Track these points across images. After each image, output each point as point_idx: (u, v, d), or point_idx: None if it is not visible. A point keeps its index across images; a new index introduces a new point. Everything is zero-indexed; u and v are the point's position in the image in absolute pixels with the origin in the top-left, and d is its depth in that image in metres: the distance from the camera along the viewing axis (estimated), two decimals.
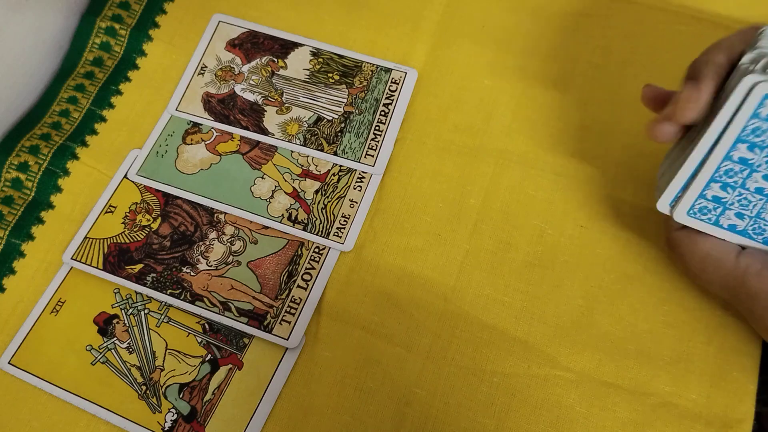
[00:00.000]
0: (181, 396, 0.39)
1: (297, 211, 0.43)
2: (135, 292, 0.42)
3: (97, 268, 0.42)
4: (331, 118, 0.46)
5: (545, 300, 0.40)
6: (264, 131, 0.46)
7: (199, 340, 0.40)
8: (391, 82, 0.47)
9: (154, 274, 0.42)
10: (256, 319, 0.40)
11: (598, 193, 0.42)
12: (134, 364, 0.40)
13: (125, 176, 0.45)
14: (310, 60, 0.48)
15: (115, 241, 0.43)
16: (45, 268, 0.43)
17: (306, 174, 0.45)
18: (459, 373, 0.38)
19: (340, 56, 0.48)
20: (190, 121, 0.47)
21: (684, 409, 0.36)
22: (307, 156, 0.45)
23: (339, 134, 0.45)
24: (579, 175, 0.43)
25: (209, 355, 0.40)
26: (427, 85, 0.47)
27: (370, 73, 0.47)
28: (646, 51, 0.46)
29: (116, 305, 0.42)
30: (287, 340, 0.39)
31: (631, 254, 0.40)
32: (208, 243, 0.43)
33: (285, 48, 0.49)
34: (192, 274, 0.42)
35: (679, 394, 0.37)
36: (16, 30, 0.45)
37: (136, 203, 0.44)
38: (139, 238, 0.43)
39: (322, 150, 0.45)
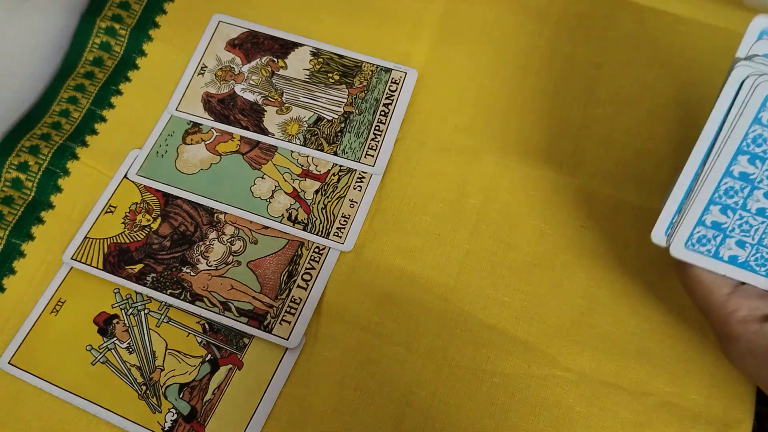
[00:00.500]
0: (181, 396, 0.39)
1: (297, 211, 0.43)
2: (135, 292, 0.42)
3: (97, 268, 0.42)
4: (331, 118, 0.46)
5: (545, 300, 0.40)
6: (264, 131, 0.46)
7: (199, 340, 0.40)
8: (391, 82, 0.47)
9: (154, 274, 0.42)
10: (256, 319, 0.40)
11: (598, 193, 0.42)
12: (134, 364, 0.40)
13: (125, 176, 0.45)
14: (310, 60, 0.48)
15: (115, 241, 0.43)
16: (45, 268, 0.43)
17: (306, 174, 0.45)
18: (459, 373, 0.38)
19: (340, 56, 0.48)
20: (190, 121, 0.47)
21: (684, 409, 0.36)
22: (307, 156, 0.45)
23: (339, 134, 0.45)
24: (579, 175, 0.43)
25: (209, 355, 0.40)
26: (427, 85, 0.47)
27: (370, 73, 0.47)
28: (646, 51, 0.46)
29: (116, 305, 0.42)
30: (287, 340, 0.39)
31: (631, 254, 0.40)
32: (208, 243, 0.43)
33: (285, 48, 0.49)
34: (192, 274, 0.42)
35: (679, 394, 0.37)
36: (16, 30, 0.45)
37: (136, 203, 0.44)
38: (139, 238, 0.43)
39: (322, 150, 0.45)
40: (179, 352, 0.40)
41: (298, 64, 0.48)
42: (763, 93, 0.28)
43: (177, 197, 0.44)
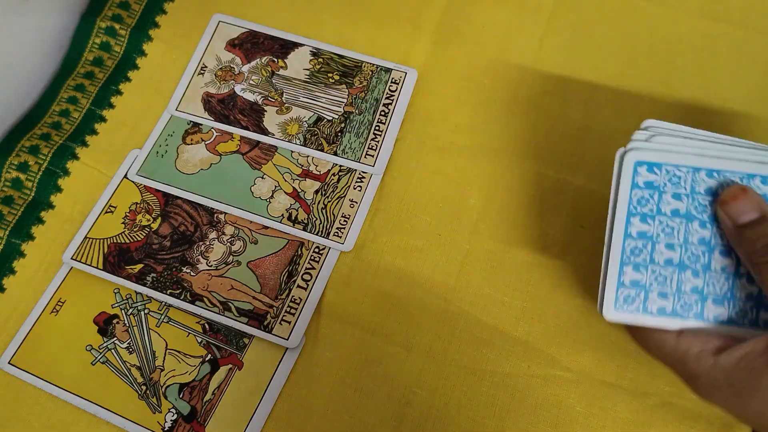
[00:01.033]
0: (181, 396, 0.39)
1: (297, 211, 0.43)
2: (135, 292, 0.42)
3: (97, 268, 0.42)
4: (331, 118, 0.46)
5: (545, 300, 0.40)
6: (264, 131, 0.46)
7: (199, 340, 0.40)
8: (391, 82, 0.47)
9: (154, 274, 0.42)
10: (256, 319, 0.40)
11: (598, 193, 0.42)
12: (134, 364, 0.40)
13: (125, 176, 0.45)
14: (310, 60, 0.48)
15: (115, 241, 0.43)
16: (45, 268, 0.43)
17: (306, 174, 0.45)
18: (459, 373, 0.38)
19: (340, 56, 0.48)
20: (190, 121, 0.47)
21: (684, 409, 0.36)
22: (307, 156, 0.45)
23: (339, 134, 0.45)
24: (579, 174, 0.43)
25: (209, 355, 0.40)
26: (427, 85, 0.47)
27: (370, 73, 0.47)
28: (646, 51, 0.46)
29: (116, 305, 0.42)
30: (287, 340, 0.39)
31: None
32: (208, 243, 0.43)
33: (285, 48, 0.49)
34: (192, 274, 0.42)
35: (679, 394, 0.37)
36: (16, 30, 0.45)
37: (136, 203, 0.44)
38: (139, 238, 0.43)
39: (322, 150, 0.45)
40: (179, 352, 0.40)
41: (298, 64, 0.48)
42: (632, 160, 0.33)
43: (177, 197, 0.44)
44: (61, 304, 0.42)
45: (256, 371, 0.39)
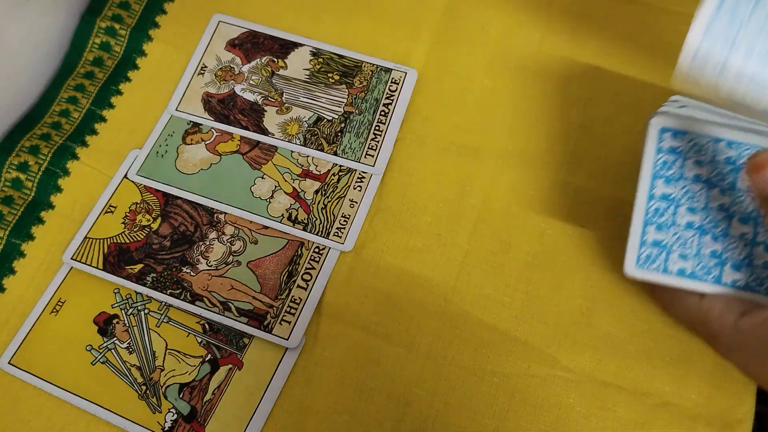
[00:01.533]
0: (181, 396, 0.39)
1: (297, 211, 0.43)
2: (135, 292, 0.42)
3: (97, 268, 0.42)
4: (331, 118, 0.46)
5: (545, 300, 0.40)
6: (264, 131, 0.46)
7: (199, 340, 0.40)
8: (391, 82, 0.47)
9: (154, 274, 0.42)
10: (256, 319, 0.40)
11: (598, 193, 0.42)
12: (134, 364, 0.40)
13: (125, 176, 0.45)
14: (310, 60, 0.48)
15: (115, 241, 0.43)
16: (45, 268, 0.43)
17: (306, 174, 0.45)
18: (459, 373, 0.38)
19: (340, 56, 0.48)
20: (190, 121, 0.47)
21: (684, 409, 0.36)
22: (307, 156, 0.45)
23: (339, 134, 0.45)
24: (579, 175, 0.43)
25: (209, 355, 0.40)
26: (427, 85, 0.47)
27: (370, 73, 0.47)
28: (646, 51, 0.46)
29: (116, 305, 0.42)
30: (287, 340, 0.39)
31: None
32: (208, 243, 0.43)
33: (285, 48, 0.49)
34: (192, 274, 0.42)
35: (679, 394, 0.37)
36: (16, 30, 0.45)
37: (136, 203, 0.44)
38: (139, 238, 0.43)
39: (322, 150, 0.45)
40: (179, 352, 0.40)
41: (298, 64, 0.48)
42: (657, 126, 0.35)
43: (177, 197, 0.44)
44: (61, 304, 0.42)
45: (256, 371, 0.39)
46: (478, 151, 0.44)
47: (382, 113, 0.46)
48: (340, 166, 0.45)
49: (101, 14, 0.49)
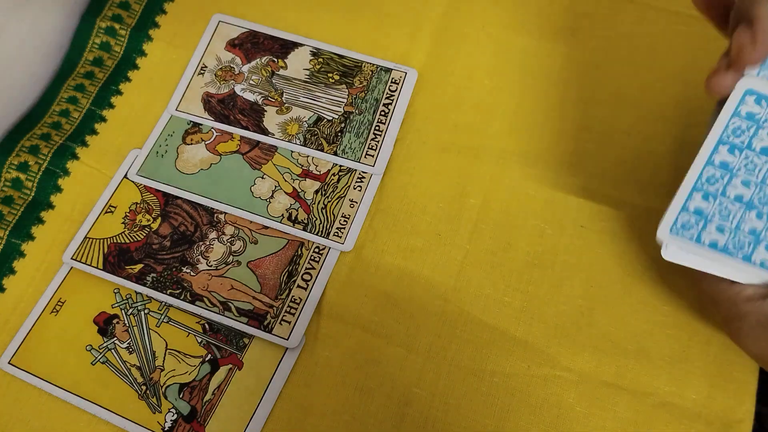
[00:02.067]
0: (181, 396, 0.39)
1: (297, 211, 0.43)
2: (135, 292, 0.42)
3: (97, 268, 0.42)
4: (331, 118, 0.46)
5: (545, 300, 0.40)
6: (264, 131, 0.46)
7: (199, 340, 0.40)
8: (391, 82, 0.47)
9: (154, 274, 0.42)
10: (256, 319, 0.40)
11: (598, 193, 0.42)
12: (134, 364, 0.40)
13: (125, 176, 0.45)
14: (310, 60, 0.48)
15: (115, 241, 0.43)
16: (45, 268, 0.43)
17: (306, 174, 0.45)
18: (459, 373, 0.38)
19: (340, 56, 0.48)
20: (190, 121, 0.47)
21: (684, 409, 0.36)
22: (307, 156, 0.45)
23: (339, 134, 0.45)
24: (579, 175, 0.43)
25: (209, 355, 0.40)
26: (427, 85, 0.47)
27: (370, 73, 0.47)
28: (646, 51, 0.46)
29: (116, 305, 0.42)
30: (287, 340, 0.39)
31: (631, 254, 0.40)
32: (208, 243, 0.43)
33: (285, 48, 0.49)
34: (192, 274, 0.42)
35: (679, 394, 0.37)
36: (16, 30, 0.45)
37: (136, 203, 0.44)
38: (139, 238, 0.43)
39: (322, 150, 0.45)
40: (179, 352, 0.40)
41: (298, 64, 0.48)
42: (743, 87, 0.32)
43: (177, 197, 0.44)
44: (61, 304, 0.42)
45: (256, 371, 0.39)
46: (478, 151, 0.44)
47: (382, 113, 0.46)
48: (340, 166, 0.45)
49: (101, 14, 0.49)
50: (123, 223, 0.44)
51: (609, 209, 0.41)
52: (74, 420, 0.39)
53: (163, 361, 0.40)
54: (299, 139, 0.45)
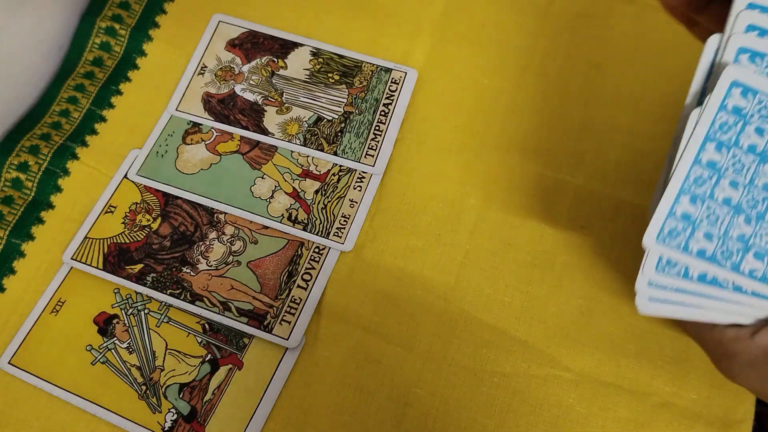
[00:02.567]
0: (181, 396, 0.39)
1: (297, 211, 0.43)
2: (135, 292, 0.42)
3: (97, 268, 0.42)
4: (331, 118, 0.46)
5: (545, 300, 0.40)
6: (264, 131, 0.46)
7: (199, 340, 0.40)
8: (391, 82, 0.47)
9: (154, 274, 0.42)
10: (256, 319, 0.40)
11: (598, 193, 0.42)
12: (134, 364, 0.40)
13: (125, 176, 0.45)
14: (310, 60, 0.48)
15: (115, 241, 0.43)
16: (45, 268, 0.43)
17: (306, 174, 0.45)
18: (459, 373, 0.38)
19: (340, 56, 0.48)
20: (190, 121, 0.47)
21: (684, 409, 0.36)
22: (307, 156, 0.45)
23: (339, 134, 0.45)
24: (579, 174, 0.43)
25: (209, 355, 0.40)
26: (427, 85, 0.47)
27: (370, 73, 0.47)
28: (646, 51, 0.46)
29: (116, 305, 0.42)
30: (287, 340, 0.39)
31: (631, 254, 0.40)
32: (208, 243, 0.43)
33: (285, 48, 0.49)
34: (192, 274, 0.42)
35: (679, 394, 0.37)
36: (16, 30, 0.45)
37: (136, 203, 0.44)
38: (139, 238, 0.43)
39: (322, 150, 0.45)
40: (179, 352, 0.40)
41: (298, 64, 0.48)
42: (730, 77, 0.30)
43: (177, 197, 0.44)
44: (61, 304, 0.42)
45: (256, 371, 0.39)
46: (478, 150, 0.44)
47: (382, 113, 0.46)
48: (340, 166, 0.45)
49: (101, 14, 0.49)
50: (123, 223, 0.44)
51: (609, 209, 0.41)
52: (74, 420, 0.39)
53: (163, 361, 0.40)
54: (299, 139, 0.45)
